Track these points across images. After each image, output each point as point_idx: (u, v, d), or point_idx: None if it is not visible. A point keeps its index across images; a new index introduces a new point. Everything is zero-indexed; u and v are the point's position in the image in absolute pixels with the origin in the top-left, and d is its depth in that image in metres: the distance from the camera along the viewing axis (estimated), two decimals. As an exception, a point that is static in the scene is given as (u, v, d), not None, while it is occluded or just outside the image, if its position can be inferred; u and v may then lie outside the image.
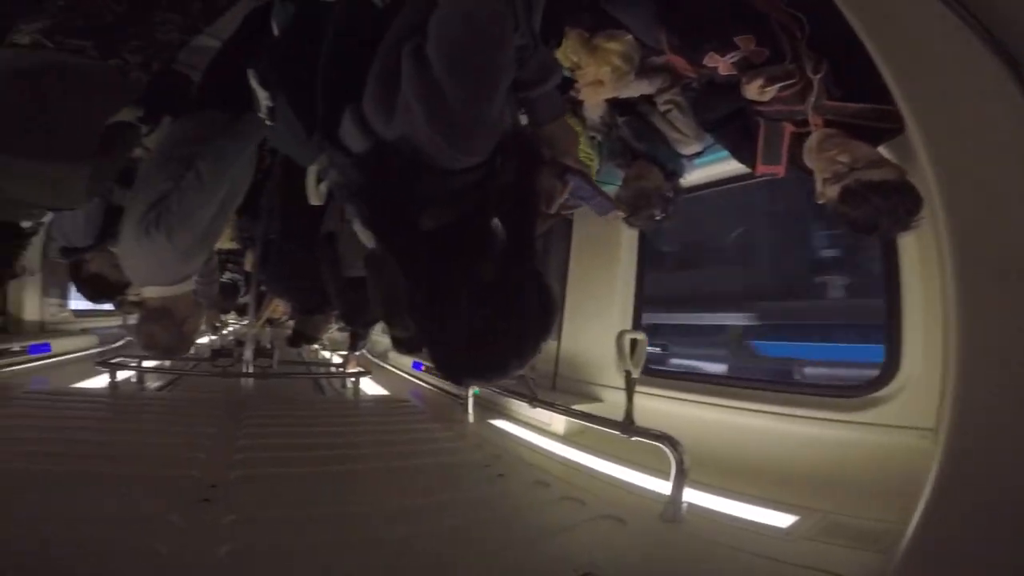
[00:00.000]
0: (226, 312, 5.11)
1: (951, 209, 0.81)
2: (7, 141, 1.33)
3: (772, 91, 1.36)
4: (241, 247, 3.58)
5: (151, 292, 1.65)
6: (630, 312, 2.43)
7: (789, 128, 1.47)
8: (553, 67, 1.19)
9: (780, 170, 1.53)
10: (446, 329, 1.01)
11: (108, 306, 3.07)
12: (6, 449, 1.34)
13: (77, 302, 3.45)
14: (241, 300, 4.74)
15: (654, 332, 2.81)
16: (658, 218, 1.91)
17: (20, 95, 1.38)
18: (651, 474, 1.45)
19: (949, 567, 0.79)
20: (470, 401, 2.22)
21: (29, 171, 1.36)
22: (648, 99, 1.81)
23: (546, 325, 1.04)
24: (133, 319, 2.98)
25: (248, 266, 3.72)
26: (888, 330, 1.53)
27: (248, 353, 2.96)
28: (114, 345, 3.45)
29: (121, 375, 2.49)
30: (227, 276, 4.46)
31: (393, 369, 3.77)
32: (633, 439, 1.40)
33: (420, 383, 3.24)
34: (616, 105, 1.89)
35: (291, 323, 3.60)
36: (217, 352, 3.10)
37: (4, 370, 2.44)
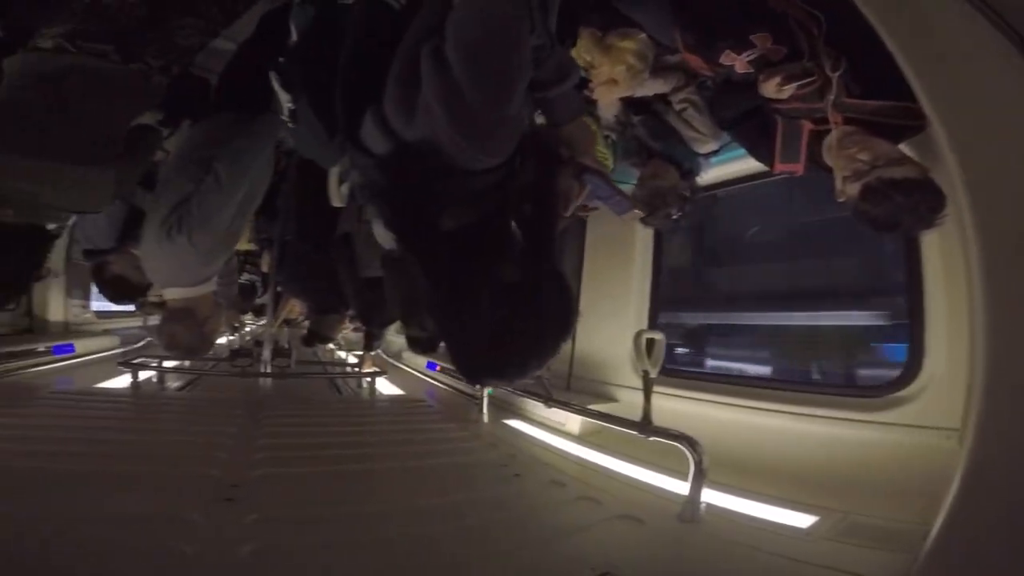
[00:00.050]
0: (244, 312, 5.17)
1: (977, 206, 0.80)
2: (33, 144, 1.35)
3: (790, 89, 1.35)
4: (258, 248, 3.63)
5: (173, 293, 1.68)
6: (646, 312, 2.42)
7: (808, 126, 1.45)
8: (571, 67, 1.19)
9: (799, 168, 1.52)
10: (467, 329, 1.01)
11: (129, 307, 3.15)
12: (33, 448, 1.37)
13: (98, 303, 3.51)
14: (258, 301, 4.79)
15: (725, 332, 2.73)
16: (674, 217, 1.90)
17: (45, 99, 1.40)
18: (667, 474, 1.44)
19: (974, 569, 0.78)
20: (485, 401, 2.23)
21: (56, 174, 1.39)
22: (663, 98, 1.81)
23: (566, 325, 1.04)
24: (154, 320, 3.04)
25: (265, 267, 3.77)
26: (910, 329, 1.51)
27: (267, 353, 2.99)
28: (135, 346, 3.50)
29: (142, 375, 2.53)
30: (245, 277, 4.51)
31: (408, 369, 3.78)
32: (651, 439, 1.40)
33: (435, 383, 3.25)
34: (631, 104, 1.89)
35: (307, 323, 3.64)
36: (236, 352, 3.13)
37: (30, 370, 2.49)
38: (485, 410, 2.22)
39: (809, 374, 2.31)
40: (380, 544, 1.02)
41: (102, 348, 3.24)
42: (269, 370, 2.95)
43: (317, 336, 3.27)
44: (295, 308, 3.73)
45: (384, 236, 1.61)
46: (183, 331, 1.71)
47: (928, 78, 0.87)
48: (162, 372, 2.70)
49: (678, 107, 1.78)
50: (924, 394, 1.42)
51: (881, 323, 1.95)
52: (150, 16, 1.57)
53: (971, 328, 0.90)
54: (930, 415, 1.37)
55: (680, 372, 2.21)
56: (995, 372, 0.77)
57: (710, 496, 1.24)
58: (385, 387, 3.06)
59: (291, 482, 1.32)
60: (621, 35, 1.60)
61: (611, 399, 2.29)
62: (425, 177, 1.02)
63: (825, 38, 1.31)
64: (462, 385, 2.78)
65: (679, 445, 1.28)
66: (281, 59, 1.45)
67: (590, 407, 1.86)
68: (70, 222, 2.24)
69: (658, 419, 1.42)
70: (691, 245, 2.85)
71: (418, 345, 2.19)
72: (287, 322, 3.91)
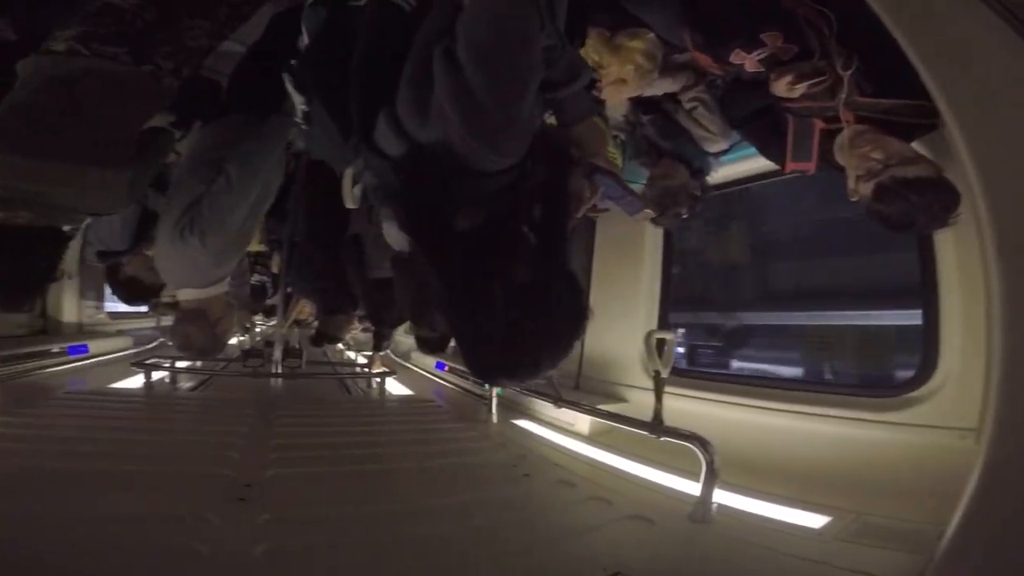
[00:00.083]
0: (255, 313, 5.20)
1: (993, 204, 0.79)
2: (48, 147, 1.37)
3: (801, 88, 1.34)
4: (269, 250, 3.66)
5: (186, 295, 1.69)
6: (656, 312, 2.41)
7: (819, 124, 1.45)
8: (581, 67, 1.19)
9: (811, 167, 1.51)
10: (480, 329, 1.01)
11: (142, 308, 3.17)
12: (49, 448, 1.38)
13: (111, 304, 3.54)
14: (269, 301, 4.82)
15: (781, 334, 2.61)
16: (685, 216, 1.90)
17: (58, 102, 1.42)
18: (678, 474, 1.44)
19: (992, 568, 0.77)
20: (494, 401, 2.23)
21: (72, 177, 1.40)
22: (672, 97, 1.80)
23: (578, 325, 1.03)
24: (166, 321, 3.06)
25: (275, 268, 3.80)
26: (925, 328, 1.50)
27: (278, 353, 3.01)
28: (148, 346, 3.54)
29: (155, 375, 2.56)
30: (255, 278, 4.54)
31: (416, 369, 3.79)
32: (661, 439, 1.39)
33: (443, 383, 3.25)
34: (640, 103, 1.88)
35: (316, 324, 3.66)
36: (247, 352, 3.15)
37: (45, 371, 2.52)
38: (494, 410, 2.22)
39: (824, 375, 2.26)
40: (390, 544, 1.02)
41: (115, 349, 3.27)
42: (280, 370, 2.97)
43: (325, 336, 3.29)
44: (305, 309, 3.75)
45: (395, 237, 1.61)
46: (196, 332, 1.72)
47: (941, 76, 0.87)
48: (175, 372, 2.72)
49: (688, 106, 1.78)
50: (939, 394, 1.41)
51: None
52: (160, 18, 1.58)
53: (988, 327, 0.89)
54: (945, 415, 1.36)
55: (690, 372, 2.20)
56: (1014, 369, 0.77)
57: (721, 496, 1.24)
58: (394, 387, 3.07)
59: (302, 482, 1.33)
60: (630, 35, 1.60)
61: (621, 399, 2.29)
62: (439, 179, 1.02)
63: (836, 36, 1.30)
64: (471, 385, 2.78)
65: (690, 445, 1.27)
66: (292, 61, 1.46)
67: (600, 407, 1.86)
68: (84, 224, 2.26)
69: (668, 419, 1.41)
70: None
71: (427, 345, 2.19)
72: (298, 323, 3.93)
